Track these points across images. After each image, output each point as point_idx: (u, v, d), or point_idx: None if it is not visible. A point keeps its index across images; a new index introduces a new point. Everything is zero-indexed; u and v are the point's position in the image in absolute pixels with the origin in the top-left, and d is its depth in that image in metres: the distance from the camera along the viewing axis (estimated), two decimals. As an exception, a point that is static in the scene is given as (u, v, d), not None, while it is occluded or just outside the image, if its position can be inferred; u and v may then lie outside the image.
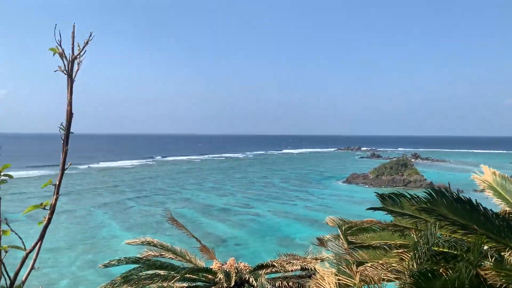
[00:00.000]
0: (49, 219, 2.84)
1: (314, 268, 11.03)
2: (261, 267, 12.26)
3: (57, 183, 2.82)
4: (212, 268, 12.04)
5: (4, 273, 2.85)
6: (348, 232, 7.18)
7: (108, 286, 10.70)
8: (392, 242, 6.62)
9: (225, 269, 11.88)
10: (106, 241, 55.25)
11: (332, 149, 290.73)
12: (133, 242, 13.35)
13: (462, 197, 4.97)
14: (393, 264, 6.13)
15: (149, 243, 13.21)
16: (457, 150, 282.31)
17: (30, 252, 2.87)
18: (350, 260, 6.50)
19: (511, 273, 3.75)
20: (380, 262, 6.78)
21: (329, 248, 7.13)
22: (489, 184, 7.96)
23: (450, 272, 4.40)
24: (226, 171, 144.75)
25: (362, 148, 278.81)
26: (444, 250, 6.45)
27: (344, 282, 6.51)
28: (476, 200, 5.04)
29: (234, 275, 11.43)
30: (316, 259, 12.08)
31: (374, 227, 7.94)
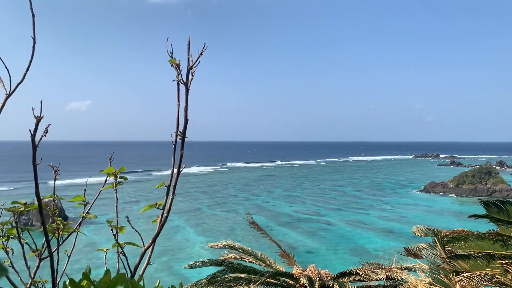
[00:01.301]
0: (166, 218, 3.05)
1: (401, 278, 10.65)
2: (344, 274, 12.05)
3: (174, 184, 3.03)
4: (293, 274, 12.06)
5: (126, 266, 3.10)
6: (444, 239, 6.85)
7: (194, 287, 11.10)
8: (495, 252, 6.21)
9: (306, 274, 11.84)
10: (181, 244, 57.37)
11: (409, 156, 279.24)
12: (216, 245, 13.75)
13: None
14: (496, 276, 5.75)
15: (230, 247, 13.53)
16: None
17: (148, 248, 3.09)
18: (448, 269, 6.19)
19: None
20: (478, 273, 6.40)
21: (424, 257, 6.84)
22: None
23: None
24: (297, 178, 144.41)
25: (441, 155, 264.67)
26: (555, 263, 5.95)
27: (440, 292, 6.22)
28: None
29: (317, 281, 11.34)
30: (402, 268, 11.63)
31: (468, 237, 7.50)
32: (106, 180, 3.20)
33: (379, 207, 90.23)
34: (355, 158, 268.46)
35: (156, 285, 3.17)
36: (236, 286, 10.76)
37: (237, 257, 13.33)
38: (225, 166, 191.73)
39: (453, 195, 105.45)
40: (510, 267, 5.46)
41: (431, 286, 6.39)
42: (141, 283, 2.60)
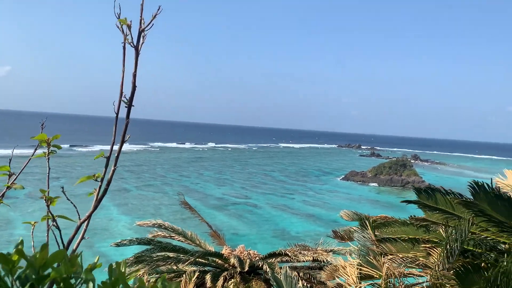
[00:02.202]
0: (105, 191, 2.85)
1: (326, 260, 11.10)
2: (273, 255, 12.32)
3: (116, 155, 2.82)
4: (223, 254, 12.08)
5: (59, 240, 2.86)
6: (373, 225, 7.21)
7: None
8: (419, 236, 6.65)
9: (236, 254, 11.93)
10: (103, 223, 55.38)
11: (334, 146, 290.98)
12: (144, 224, 13.38)
13: (503, 194, 4.99)
14: (420, 258, 6.16)
15: (160, 226, 13.23)
16: (457, 154, 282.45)
17: (84, 221, 2.88)
18: (377, 251, 6.53)
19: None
20: (403, 255, 6.81)
21: (356, 239, 7.15)
22: (511, 188, 7.99)
23: (489, 266, 4.42)
24: (227, 161, 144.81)
25: (363, 147, 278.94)
26: (469, 248, 6.49)
27: (367, 273, 6.54)
28: (515, 198, 5.05)
29: (247, 261, 11.48)
30: (327, 251, 12.13)
31: (393, 223, 7.96)
32: (36, 149, 2.92)
33: (303, 192, 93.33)
34: (284, 144, 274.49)
35: (95, 261, 2.96)
36: (165, 265, 10.57)
37: (166, 235, 13.10)
38: (156, 146, 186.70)
39: (371, 184, 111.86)
40: (432, 250, 5.86)
41: (359, 267, 6.70)
42: (79, 259, 2.39)
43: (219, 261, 12.09)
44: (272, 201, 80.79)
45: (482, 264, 4.58)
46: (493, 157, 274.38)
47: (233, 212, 69.85)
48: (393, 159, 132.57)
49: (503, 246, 6.53)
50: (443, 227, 6.34)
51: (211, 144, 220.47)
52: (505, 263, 3.95)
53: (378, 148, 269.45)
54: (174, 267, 11.60)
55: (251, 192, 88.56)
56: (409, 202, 6.36)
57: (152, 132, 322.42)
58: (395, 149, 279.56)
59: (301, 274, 11.81)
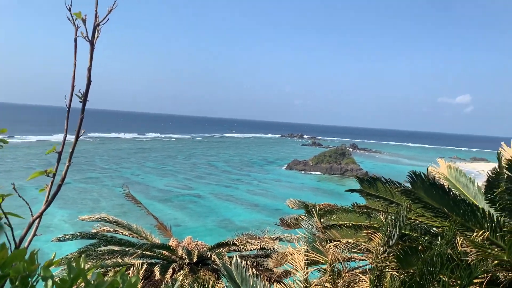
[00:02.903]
0: (59, 186, 2.83)
1: (273, 248, 11.41)
2: (221, 245, 12.44)
3: (71, 150, 2.81)
4: (170, 245, 12.03)
5: (11, 237, 2.81)
6: (319, 212, 7.55)
7: (63, 261, 10.37)
8: (362, 223, 7.06)
9: (183, 246, 11.92)
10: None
11: (277, 135, 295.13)
12: (88, 218, 12.96)
13: (437, 182, 5.43)
14: (363, 243, 6.55)
15: (104, 220, 12.88)
16: (392, 143, 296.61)
17: (36, 218, 2.85)
18: (323, 238, 6.85)
19: (485, 249, 4.22)
20: (346, 241, 7.21)
21: (303, 227, 7.46)
22: (444, 176, 8.64)
23: (426, 249, 4.83)
24: (170, 152, 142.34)
25: (305, 136, 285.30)
26: (407, 232, 7.01)
27: (314, 258, 6.86)
28: (448, 186, 5.52)
29: (196, 252, 11.51)
30: (273, 239, 12.45)
31: (337, 210, 8.36)
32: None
33: (247, 182, 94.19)
34: (228, 134, 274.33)
35: (52, 258, 2.92)
36: (110, 259, 10.36)
37: (111, 230, 12.78)
38: (95, 136, 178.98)
39: (313, 173, 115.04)
40: (374, 236, 6.26)
41: (307, 253, 7.01)
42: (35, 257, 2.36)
43: (167, 253, 12.03)
44: (216, 191, 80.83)
45: (419, 247, 5.00)
46: (425, 145, 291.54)
47: (177, 204, 69.16)
48: (333, 148, 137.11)
49: (436, 230, 7.10)
50: (384, 213, 6.78)
51: (153, 134, 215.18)
52: (439, 246, 4.35)
53: (319, 137, 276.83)
54: (120, 261, 11.40)
55: (195, 182, 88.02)
56: (353, 191, 6.73)
57: (91, 122, 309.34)
58: (334, 138, 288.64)
59: (249, 262, 12.03)
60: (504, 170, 4.59)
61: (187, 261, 11.36)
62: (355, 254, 7.32)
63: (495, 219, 5.76)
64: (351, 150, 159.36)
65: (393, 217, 5.95)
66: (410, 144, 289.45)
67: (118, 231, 13.03)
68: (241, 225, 59.33)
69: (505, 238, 4.29)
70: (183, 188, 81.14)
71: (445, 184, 8.76)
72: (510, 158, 4.89)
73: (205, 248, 12.41)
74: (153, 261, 12.05)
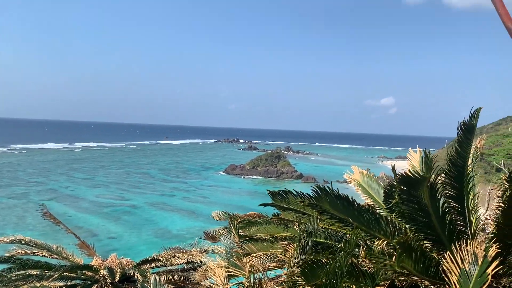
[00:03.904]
0: None
1: (200, 261, 11.33)
2: (146, 262, 12.14)
3: None
4: (93, 265, 11.53)
5: None
6: (238, 226, 7.62)
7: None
8: (278, 234, 7.23)
9: (107, 265, 11.48)
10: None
11: (213, 141, 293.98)
12: (0, 240, 12.07)
13: (341, 194, 5.68)
14: (278, 255, 6.70)
15: (20, 241, 12.08)
16: (324, 144, 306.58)
17: None
18: (241, 253, 6.92)
19: (381, 260, 4.49)
20: (264, 253, 7.33)
21: (221, 242, 7.47)
22: (358, 182, 9.08)
23: (330, 261, 5.04)
24: (102, 161, 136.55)
25: (241, 140, 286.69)
26: (322, 240, 7.26)
27: (233, 273, 6.91)
28: (352, 197, 5.81)
29: (118, 271, 11.12)
30: (202, 251, 12.36)
31: (260, 221, 8.49)
32: None
33: (183, 189, 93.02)
34: (163, 141, 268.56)
35: None
36: (26, 284, 9.73)
37: (28, 252, 12.03)
38: (19, 148, 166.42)
39: (251, 177, 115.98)
40: (289, 247, 6.42)
41: (226, 268, 7.04)
42: None
43: (89, 273, 11.53)
44: (152, 200, 79.01)
45: (324, 259, 5.22)
46: (355, 146, 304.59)
47: (109, 215, 66.73)
48: (269, 151, 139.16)
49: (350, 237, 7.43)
50: (297, 224, 7.00)
51: (84, 144, 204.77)
52: (340, 257, 4.56)
53: (255, 141, 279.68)
54: (38, 285, 10.74)
55: (129, 192, 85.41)
56: (266, 205, 6.87)
57: (13, 132, 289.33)
58: (270, 142, 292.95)
59: (175, 277, 11.89)
60: (396, 183, 4.93)
61: (109, 280, 10.97)
62: (273, 267, 7.46)
63: (397, 226, 6.15)
64: (286, 153, 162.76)
65: (305, 228, 6.15)
66: (341, 146, 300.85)
67: (36, 252, 12.29)
68: (178, 233, 58.46)
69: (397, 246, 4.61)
70: (116, 199, 78.42)
71: (357, 191, 9.24)
72: (407, 169, 5.25)
73: (130, 265, 12.05)
74: (74, 282, 11.48)
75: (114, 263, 11.72)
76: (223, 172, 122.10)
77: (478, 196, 8.21)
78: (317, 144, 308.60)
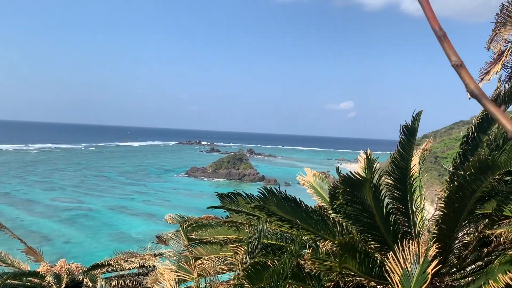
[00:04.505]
0: None
1: (153, 265, 11.10)
2: (96, 266, 11.75)
3: None
4: (39, 271, 11.04)
5: None
6: (188, 228, 7.50)
7: None
8: (228, 237, 7.16)
9: (54, 271, 11.02)
10: None
11: (174, 143, 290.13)
12: None
13: (289, 196, 5.69)
14: (228, 258, 6.64)
15: (-41, 249, 11.39)
16: (285, 147, 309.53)
17: None
18: (190, 257, 6.81)
19: (324, 262, 4.51)
20: (214, 257, 7.25)
21: (170, 246, 7.33)
22: (310, 184, 9.17)
23: (276, 263, 5.02)
24: (58, 163, 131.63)
25: (203, 143, 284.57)
26: (273, 242, 7.25)
27: (183, 277, 6.78)
28: (299, 198, 5.83)
29: (65, 277, 10.70)
30: (155, 255, 12.11)
31: (212, 223, 8.40)
32: None
33: (143, 192, 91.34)
34: (122, 143, 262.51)
35: None
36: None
37: (-32, 260, 11.36)
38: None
39: (211, 179, 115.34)
40: (239, 249, 6.36)
41: (176, 273, 6.90)
42: None
43: (35, 280, 11.02)
44: (110, 203, 77.08)
45: (269, 262, 5.20)
46: (316, 149, 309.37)
47: (65, 219, 64.54)
48: (231, 154, 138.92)
49: (302, 237, 7.46)
50: (248, 226, 6.96)
51: (39, 145, 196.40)
52: (284, 259, 4.56)
53: (218, 143, 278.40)
54: (-21, 294, 10.17)
55: (86, 196, 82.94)
56: (214, 207, 6.80)
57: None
58: (232, 144, 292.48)
59: (127, 282, 11.57)
60: (339, 184, 4.98)
61: (55, 287, 10.53)
62: (226, 267, 7.39)
63: (344, 227, 6.22)
64: (248, 155, 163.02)
65: (254, 230, 6.12)
66: (302, 148, 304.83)
67: (-22, 260, 11.63)
68: (137, 237, 57.24)
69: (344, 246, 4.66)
70: (72, 202, 75.94)
71: (310, 192, 9.33)
72: (353, 171, 5.31)
73: (80, 271, 11.62)
74: (19, 290, 10.97)
75: (62, 268, 11.27)
76: (185, 174, 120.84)
77: (424, 197, 8.48)
78: (279, 146, 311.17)
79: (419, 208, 6.59)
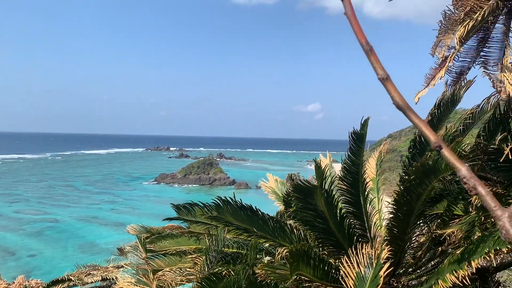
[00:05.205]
0: None
1: (116, 278, 10.87)
2: (56, 282, 11.39)
3: None
4: (-5, 291, 10.61)
5: None
6: (147, 240, 7.39)
7: None
8: (188, 247, 7.10)
9: (12, 289, 10.63)
10: None
11: (142, 149, 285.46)
12: None
13: (245, 204, 5.70)
14: (187, 269, 6.58)
15: None
16: (256, 150, 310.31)
17: None
18: (148, 269, 6.71)
19: (276, 270, 4.54)
20: (173, 269, 7.17)
21: (128, 258, 7.20)
22: (272, 189, 9.22)
23: (232, 273, 5.02)
24: (20, 174, 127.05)
25: (171, 148, 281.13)
26: (234, 250, 7.23)
27: (142, 290, 6.67)
28: (255, 206, 5.84)
29: (22, 296, 10.33)
30: (118, 267, 11.87)
31: (173, 233, 8.30)
32: None
33: (111, 200, 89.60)
34: (88, 151, 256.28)
35: None
36: None
37: None
38: None
39: (181, 185, 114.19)
40: (198, 260, 6.32)
41: (135, 286, 6.79)
42: None
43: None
44: (77, 214, 75.22)
45: (224, 272, 5.19)
46: (286, 151, 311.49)
47: (29, 231, 62.52)
48: (201, 159, 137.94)
49: (262, 245, 7.48)
50: (207, 236, 6.92)
51: (1, 156, 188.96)
52: (239, 269, 4.56)
53: (187, 149, 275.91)
54: None
55: (52, 206, 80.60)
56: (170, 219, 6.74)
57: None
58: (202, 149, 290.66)
59: (89, 296, 11.32)
60: (291, 191, 5.04)
61: (12, 307, 10.16)
62: (186, 279, 7.32)
63: (302, 233, 6.28)
64: (219, 159, 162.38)
65: (212, 239, 6.09)
66: (272, 151, 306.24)
67: None
68: (106, 247, 55.96)
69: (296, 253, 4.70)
70: (37, 214, 73.61)
71: (271, 198, 9.37)
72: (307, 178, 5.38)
73: (41, 287, 11.26)
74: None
75: (21, 286, 10.89)
76: (154, 181, 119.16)
77: (381, 199, 8.67)
78: (250, 150, 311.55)
79: (374, 211, 6.73)
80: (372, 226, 6.40)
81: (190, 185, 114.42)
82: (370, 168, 8.60)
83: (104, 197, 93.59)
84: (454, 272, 4.72)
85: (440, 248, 7.18)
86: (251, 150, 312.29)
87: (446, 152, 1.34)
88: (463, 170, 1.29)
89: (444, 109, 5.81)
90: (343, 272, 5.10)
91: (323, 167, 4.87)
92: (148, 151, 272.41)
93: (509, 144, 5.40)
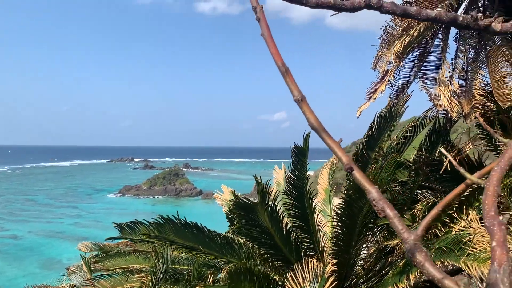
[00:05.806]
0: None
1: (66, 298, 10.44)
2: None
3: None
4: None
5: None
6: (94, 260, 7.13)
7: None
8: (137, 265, 6.90)
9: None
10: None
11: (105, 161, 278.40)
12: None
13: (190, 222, 5.59)
14: (135, 289, 6.40)
15: None
16: (223, 159, 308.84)
17: None
18: (93, 291, 6.48)
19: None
20: (127, 287, 6.96)
21: (72, 280, 6.92)
22: (226, 202, 9.11)
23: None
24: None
25: (136, 159, 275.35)
26: (185, 267, 7.09)
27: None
28: (201, 224, 5.73)
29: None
30: (71, 287, 11.41)
31: (122, 252, 8.07)
32: None
33: (73, 214, 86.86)
34: (49, 163, 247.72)
35: None
36: None
37: None
38: None
39: (147, 197, 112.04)
40: (145, 279, 6.14)
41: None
42: None
43: None
44: (37, 229, 72.42)
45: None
46: (252, 160, 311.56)
47: (-16, 249, 59.60)
48: (166, 169, 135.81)
49: (211, 262, 7.36)
50: (154, 255, 6.77)
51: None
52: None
53: (152, 159, 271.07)
54: None
55: (9, 222, 77.28)
56: (114, 238, 6.54)
57: None
58: (168, 159, 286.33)
59: (39, 319, 10.79)
60: (233, 209, 4.98)
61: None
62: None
63: (251, 249, 6.22)
64: (185, 170, 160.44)
65: (159, 258, 5.94)
66: (239, 160, 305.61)
67: None
68: (68, 263, 53.88)
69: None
70: (-7, 230, 70.41)
71: (225, 210, 9.27)
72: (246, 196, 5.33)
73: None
74: None
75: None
76: (118, 193, 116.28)
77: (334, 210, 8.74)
78: (216, 159, 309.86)
79: (323, 223, 6.75)
80: (321, 238, 6.42)
81: (156, 197, 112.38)
82: (322, 179, 8.67)
83: (67, 210, 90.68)
84: (395, 285, 4.78)
85: (389, 259, 7.29)
86: (219, 159, 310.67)
87: (357, 174, 1.31)
88: (373, 192, 1.26)
89: (383, 122, 5.92)
90: (288, 287, 5.07)
91: (265, 182, 4.84)
92: (112, 163, 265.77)
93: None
